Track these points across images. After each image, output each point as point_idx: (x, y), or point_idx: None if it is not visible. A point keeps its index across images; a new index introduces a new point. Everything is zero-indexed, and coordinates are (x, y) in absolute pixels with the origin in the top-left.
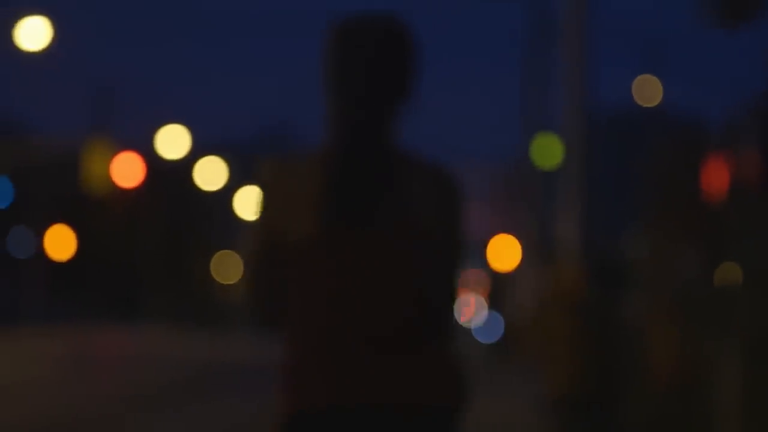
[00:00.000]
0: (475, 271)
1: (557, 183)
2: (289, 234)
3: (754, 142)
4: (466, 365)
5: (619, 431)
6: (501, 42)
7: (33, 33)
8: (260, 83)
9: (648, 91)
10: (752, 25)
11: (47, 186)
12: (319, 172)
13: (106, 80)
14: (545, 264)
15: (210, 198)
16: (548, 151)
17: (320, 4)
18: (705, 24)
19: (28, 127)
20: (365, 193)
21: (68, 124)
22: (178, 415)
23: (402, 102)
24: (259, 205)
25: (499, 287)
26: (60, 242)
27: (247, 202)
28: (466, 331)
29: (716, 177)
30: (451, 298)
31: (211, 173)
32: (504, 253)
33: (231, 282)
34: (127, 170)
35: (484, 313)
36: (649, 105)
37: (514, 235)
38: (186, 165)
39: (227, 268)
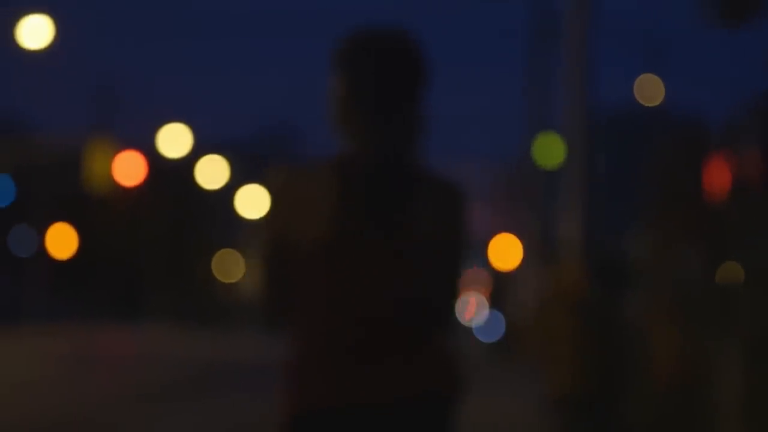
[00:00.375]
0: (476, 270)
1: (559, 182)
2: (301, 239)
3: (756, 141)
4: (463, 360)
5: (620, 431)
6: (503, 41)
7: (34, 31)
8: (262, 82)
9: (650, 90)
10: (753, 25)
11: (49, 184)
12: (332, 181)
13: (108, 79)
14: (547, 263)
15: (211, 197)
16: (550, 150)
17: (323, 3)
18: (706, 23)
19: (29, 125)
20: (377, 202)
21: (70, 123)
22: (181, 414)
23: (414, 115)
24: (271, 210)
25: (500, 286)
26: (62, 241)
27: (249, 201)
28: (467, 330)
29: (718, 176)
30: (453, 300)
31: (212, 172)
32: (505, 252)
33: (233, 280)
34: (128, 169)
35: (485, 312)
36: (650, 104)
37: (515, 235)
38: (188, 164)
39: (229, 266)
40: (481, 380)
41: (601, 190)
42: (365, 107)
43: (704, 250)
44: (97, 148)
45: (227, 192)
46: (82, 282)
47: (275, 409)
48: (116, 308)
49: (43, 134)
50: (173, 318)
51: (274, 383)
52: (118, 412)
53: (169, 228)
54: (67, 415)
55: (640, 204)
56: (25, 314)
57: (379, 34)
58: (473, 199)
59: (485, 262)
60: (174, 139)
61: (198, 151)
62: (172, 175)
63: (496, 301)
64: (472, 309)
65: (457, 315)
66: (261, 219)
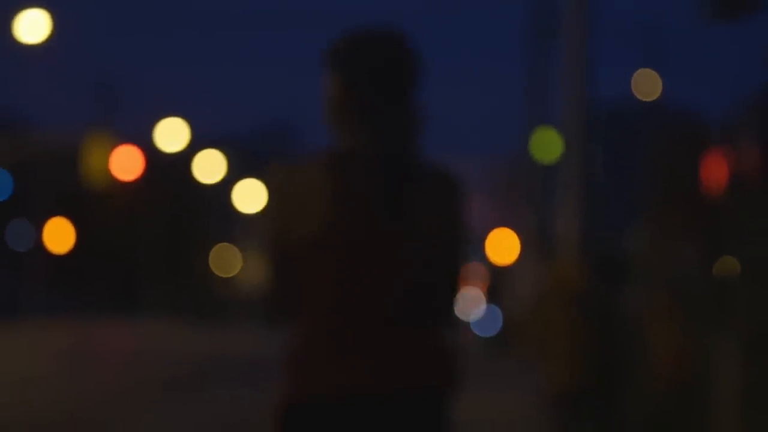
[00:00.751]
0: (473, 265)
1: (557, 177)
2: (299, 235)
3: (753, 136)
4: (460, 354)
5: (618, 425)
6: (502, 36)
7: (32, 26)
8: (259, 77)
9: (647, 85)
10: (751, 20)
11: (46, 179)
12: (327, 178)
13: (105, 74)
14: (544, 258)
15: (209, 191)
16: (548, 145)
17: None
18: (704, 18)
19: (27, 120)
20: (372, 197)
21: (67, 118)
22: (179, 409)
23: (407, 113)
24: (270, 207)
25: (497, 281)
26: (59, 235)
27: (246, 196)
28: (465, 325)
29: (715, 171)
30: (452, 293)
31: (209, 166)
32: (503, 246)
33: (230, 275)
34: (126, 163)
35: (482, 306)
36: (648, 99)
37: (513, 229)
38: (185, 158)
39: (226, 261)
40: (479, 375)
41: (598, 185)
42: (358, 107)
43: (702, 245)
44: (94, 142)
45: (224, 186)
46: (80, 276)
47: (274, 398)
48: (114, 303)
49: (41, 129)
50: (171, 312)
51: (273, 376)
52: (116, 406)
53: (167, 222)
54: (64, 409)
55: (637, 199)
56: (23, 309)
57: (371, 34)
58: (471, 193)
59: (483, 257)
60: (171, 134)
61: (195, 145)
62: (169, 170)
63: (493, 295)
64: (470, 303)
65: (457, 309)
66: (258, 213)
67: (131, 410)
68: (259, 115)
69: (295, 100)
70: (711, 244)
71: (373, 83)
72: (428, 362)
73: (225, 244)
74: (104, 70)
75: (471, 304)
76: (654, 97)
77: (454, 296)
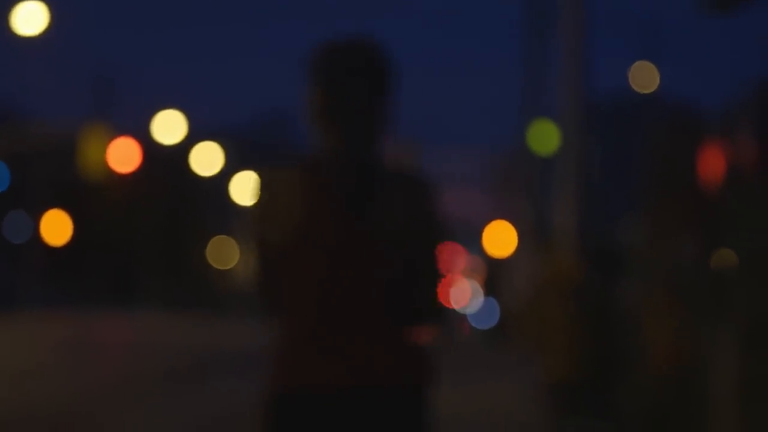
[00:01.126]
0: (471, 257)
1: (554, 169)
2: (281, 233)
3: (751, 128)
4: (436, 351)
5: (614, 417)
6: (499, 29)
7: (29, 17)
8: (257, 69)
9: (644, 77)
10: (748, 12)
11: (43, 171)
12: (306, 179)
13: (103, 65)
14: (541, 250)
15: (206, 183)
16: (545, 137)
17: None
18: (701, 10)
19: (24, 112)
20: (347, 198)
21: (65, 110)
22: (176, 401)
23: (385, 117)
24: (255, 206)
25: (495, 273)
26: (56, 227)
27: (244, 188)
28: (462, 317)
29: (713, 163)
30: (432, 289)
31: (207, 158)
32: (500, 239)
33: (227, 267)
34: (123, 155)
35: (480, 299)
36: (645, 91)
37: (510, 221)
38: (182, 150)
39: (223, 253)
40: (476, 367)
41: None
42: (333, 112)
43: (699, 238)
44: (91, 134)
45: (222, 179)
46: (77, 268)
47: (262, 391)
48: (111, 295)
49: (38, 120)
50: (168, 305)
51: (269, 369)
52: (114, 398)
53: (164, 215)
54: (62, 402)
55: (634, 191)
56: (20, 301)
57: (346, 45)
58: (468, 185)
59: (480, 249)
60: (169, 126)
61: (193, 137)
62: (166, 162)
63: (490, 287)
64: (467, 296)
65: (437, 307)
66: (251, 208)
67: (129, 402)
68: (257, 108)
69: (293, 94)
70: (708, 237)
71: (347, 90)
72: (404, 358)
73: (222, 236)
74: (102, 62)
75: (469, 296)
76: (651, 90)
77: (434, 294)
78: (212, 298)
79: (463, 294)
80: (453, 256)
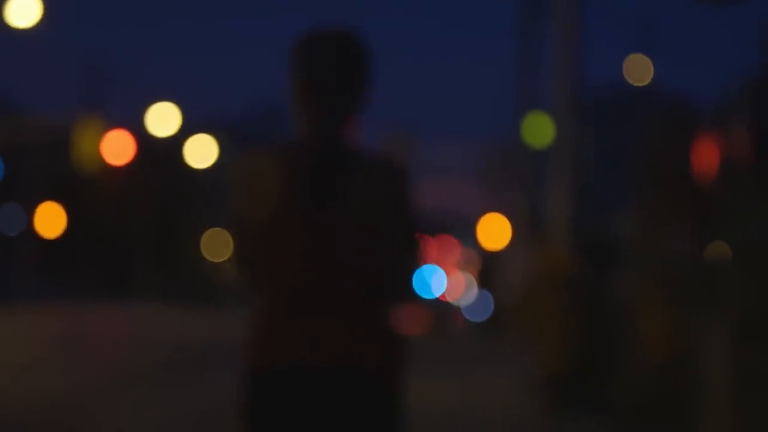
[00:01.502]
0: (465, 250)
1: (548, 162)
2: (257, 216)
3: (745, 121)
4: (406, 337)
5: (608, 408)
6: (493, 21)
7: (23, 10)
8: (250, 61)
9: (639, 70)
10: (742, 4)
11: (38, 163)
12: (282, 164)
13: (97, 58)
14: (535, 243)
15: (200, 175)
16: (539, 130)
17: None
18: (696, 3)
19: (18, 104)
20: (324, 181)
21: (59, 102)
22: (171, 393)
23: (356, 105)
24: (232, 190)
25: (489, 266)
26: (50, 220)
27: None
28: (456, 310)
29: (707, 156)
30: (406, 274)
31: (201, 151)
32: (494, 231)
33: (221, 260)
34: (117, 148)
35: (473, 291)
36: (639, 84)
37: (504, 214)
38: (176, 143)
39: (217, 245)
40: (470, 359)
41: (589, 170)
42: (310, 99)
43: (693, 230)
44: (85, 127)
45: (216, 171)
46: (71, 261)
47: (240, 370)
48: (105, 287)
49: (32, 113)
50: (162, 297)
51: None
52: (108, 391)
53: (158, 207)
54: (56, 395)
55: (628, 184)
56: (14, 293)
57: (324, 35)
58: (463, 177)
59: (474, 242)
60: (163, 119)
61: (187, 130)
62: (160, 155)
63: (484, 280)
64: (461, 288)
65: (411, 292)
66: (230, 193)
67: (123, 395)
68: (251, 100)
69: (285, 85)
70: (702, 229)
71: (323, 78)
72: (372, 341)
73: (217, 228)
74: (96, 54)
75: (463, 288)
76: (646, 83)
77: (408, 279)
78: (206, 290)
79: (457, 286)
80: (445, 248)
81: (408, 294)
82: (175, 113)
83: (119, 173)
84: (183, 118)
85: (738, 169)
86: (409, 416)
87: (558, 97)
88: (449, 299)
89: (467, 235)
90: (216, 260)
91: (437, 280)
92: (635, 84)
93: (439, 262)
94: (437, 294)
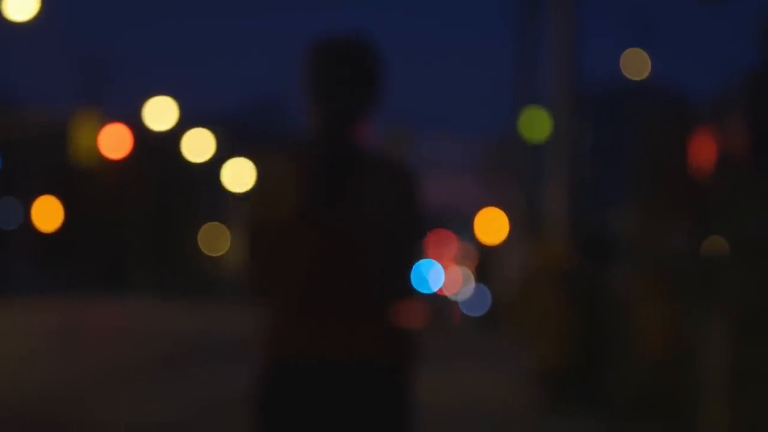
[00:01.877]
0: (462, 244)
1: (545, 156)
2: (273, 217)
3: (742, 115)
4: (418, 333)
5: (605, 403)
6: (490, 14)
7: (21, 3)
8: (248, 55)
9: (636, 64)
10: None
11: (35, 157)
12: (299, 165)
13: (94, 52)
14: (533, 238)
15: (197, 170)
16: (536, 124)
17: None
18: (699, 2)
19: (15, 98)
20: (335, 182)
21: (56, 96)
22: (168, 387)
23: (368, 109)
24: (253, 191)
25: (486, 260)
26: (47, 213)
27: (235, 174)
28: (453, 304)
29: (704, 151)
30: (407, 269)
31: (198, 145)
32: (492, 226)
33: (218, 254)
34: (114, 142)
35: (471, 286)
36: (637, 79)
37: (501, 209)
38: (173, 137)
39: (214, 240)
40: (467, 354)
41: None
42: (322, 104)
43: (690, 225)
44: (83, 121)
45: (213, 165)
46: (68, 255)
47: (253, 362)
48: (102, 281)
49: (29, 107)
50: (159, 291)
51: (255, 343)
52: (105, 385)
53: (155, 201)
54: (53, 388)
55: (626, 178)
56: (11, 287)
57: (337, 42)
58: (460, 172)
59: (471, 237)
60: (160, 112)
61: (184, 124)
62: (158, 149)
63: (482, 275)
64: (458, 283)
65: (414, 289)
66: (246, 193)
67: (121, 388)
68: (248, 94)
69: (284, 80)
70: (700, 225)
71: (336, 85)
72: (383, 339)
73: (214, 223)
74: (93, 48)
75: (460, 283)
76: (643, 77)
77: (407, 276)
78: (204, 284)
79: (455, 281)
80: (442, 243)
81: (408, 290)
82: (173, 107)
83: (116, 167)
84: (180, 112)
85: (735, 165)
86: (420, 412)
87: (555, 92)
88: (447, 294)
89: (465, 229)
90: (213, 254)
91: (435, 274)
92: (632, 79)
93: (437, 257)
94: (435, 288)
